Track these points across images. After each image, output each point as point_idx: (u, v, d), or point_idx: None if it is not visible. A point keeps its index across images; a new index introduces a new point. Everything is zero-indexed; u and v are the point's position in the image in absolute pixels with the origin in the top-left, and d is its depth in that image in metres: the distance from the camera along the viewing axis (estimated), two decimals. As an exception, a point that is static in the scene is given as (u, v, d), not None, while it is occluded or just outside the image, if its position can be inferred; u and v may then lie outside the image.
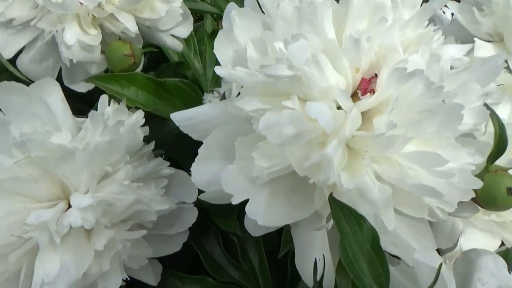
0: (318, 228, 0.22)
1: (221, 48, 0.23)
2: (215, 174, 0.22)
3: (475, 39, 0.43)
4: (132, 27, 0.33)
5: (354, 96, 0.22)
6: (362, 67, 0.21)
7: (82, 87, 0.38)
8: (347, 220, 0.19)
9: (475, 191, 0.23)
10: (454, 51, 0.22)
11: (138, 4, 0.34)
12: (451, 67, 0.22)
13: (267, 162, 0.20)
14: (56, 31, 0.32)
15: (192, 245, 0.37)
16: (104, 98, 0.32)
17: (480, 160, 0.22)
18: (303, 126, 0.19)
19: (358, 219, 0.19)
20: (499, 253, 0.29)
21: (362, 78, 0.22)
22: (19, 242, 0.26)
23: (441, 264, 0.21)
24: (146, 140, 0.33)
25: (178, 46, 0.42)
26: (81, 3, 0.31)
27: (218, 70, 0.22)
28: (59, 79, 0.37)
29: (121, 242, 0.30)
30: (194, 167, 0.23)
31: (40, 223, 0.26)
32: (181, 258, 0.36)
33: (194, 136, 0.24)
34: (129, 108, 0.33)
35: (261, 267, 0.36)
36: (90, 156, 0.29)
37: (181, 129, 0.25)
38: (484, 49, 0.43)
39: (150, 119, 0.34)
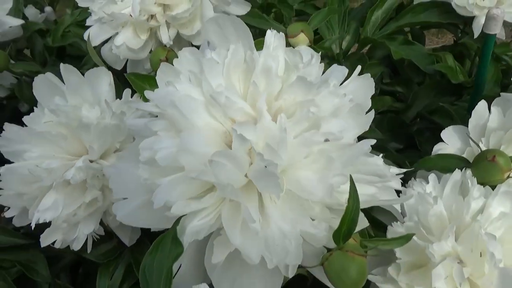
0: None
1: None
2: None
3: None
4: (165, 39, 0.41)
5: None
6: (238, 119, 0.24)
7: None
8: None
9: (328, 263, 0.24)
10: (332, 127, 0.23)
11: (182, 21, 0.42)
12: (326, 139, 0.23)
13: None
14: (117, 33, 0.43)
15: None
16: (127, 91, 0.41)
17: (326, 231, 0.23)
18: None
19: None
20: None
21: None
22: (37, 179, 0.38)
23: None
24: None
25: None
26: (130, 15, 0.41)
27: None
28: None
29: (104, 202, 0.39)
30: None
31: (49, 169, 0.37)
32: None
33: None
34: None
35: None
36: (100, 132, 0.38)
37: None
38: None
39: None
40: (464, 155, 0.41)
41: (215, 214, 0.23)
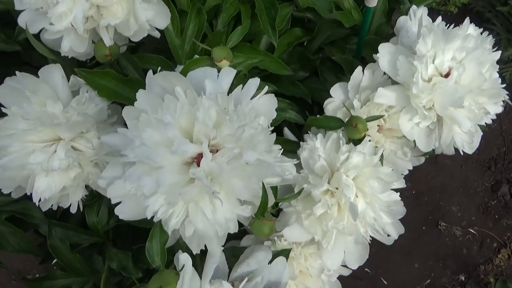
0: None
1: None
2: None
3: (378, 88, 0.53)
4: (107, 42, 0.48)
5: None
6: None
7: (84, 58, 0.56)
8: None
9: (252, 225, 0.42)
10: (249, 157, 0.38)
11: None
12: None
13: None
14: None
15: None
16: (84, 89, 0.50)
17: (250, 212, 0.40)
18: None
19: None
20: (278, 252, 0.49)
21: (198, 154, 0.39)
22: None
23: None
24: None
25: (157, 34, 0.56)
26: (72, 25, 0.46)
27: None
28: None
29: (83, 174, 0.51)
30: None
31: (37, 162, 0.48)
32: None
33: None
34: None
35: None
36: (70, 127, 0.48)
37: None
38: (384, 98, 0.54)
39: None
40: (344, 109, 0.57)
41: (184, 211, 0.39)
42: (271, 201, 0.42)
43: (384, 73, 0.56)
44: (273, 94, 0.43)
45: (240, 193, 0.39)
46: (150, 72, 0.41)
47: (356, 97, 0.57)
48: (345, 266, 0.58)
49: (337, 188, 0.50)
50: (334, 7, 0.68)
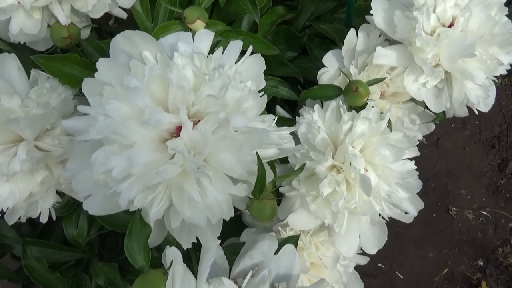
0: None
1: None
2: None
3: (377, 48, 0.47)
4: (63, 21, 0.42)
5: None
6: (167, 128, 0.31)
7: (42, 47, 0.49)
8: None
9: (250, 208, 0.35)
10: (238, 122, 0.31)
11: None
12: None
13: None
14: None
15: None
16: (43, 77, 0.43)
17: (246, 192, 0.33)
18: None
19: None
20: (284, 239, 0.42)
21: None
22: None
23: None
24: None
25: (123, 14, 0.50)
26: (18, 2, 0.40)
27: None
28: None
29: (53, 177, 0.45)
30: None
31: (-4, 168, 0.41)
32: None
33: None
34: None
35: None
36: (29, 122, 0.42)
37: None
38: (384, 58, 0.48)
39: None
40: (341, 77, 0.51)
41: (166, 197, 0.32)
42: (270, 176, 0.35)
43: (380, 35, 0.51)
44: (259, 54, 0.37)
45: (231, 169, 0.32)
46: (114, 38, 0.34)
47: (353, 63, 0.51)
48: (362, 254, 0.51)
49: (343, 163, 0.44)
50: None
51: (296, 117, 0.47)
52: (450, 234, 1.35)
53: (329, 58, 0.53)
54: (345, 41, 0.51)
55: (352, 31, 0.51)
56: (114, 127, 0.29)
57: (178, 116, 0.31)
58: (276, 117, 0.36)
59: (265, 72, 0.50)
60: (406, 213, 0.49)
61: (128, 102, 0.30)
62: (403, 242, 1.32)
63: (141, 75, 0.31)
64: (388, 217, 0.48)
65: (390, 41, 0.51)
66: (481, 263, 1.31)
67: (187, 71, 0.31)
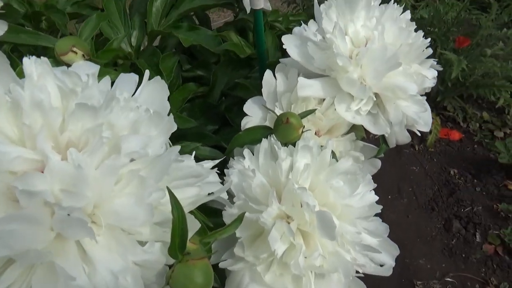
0: None
1: None
2: None
3: (298, 78, 0.43)
4: None
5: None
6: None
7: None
8: None
9: (172, 280, 0.23)
10: (133, 145, 0.22)
11: None
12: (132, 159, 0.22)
13: None
14: None
15: None
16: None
17: (160, 254, 0.22)
18: None
19: None
20: None
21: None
22: None
23: None
24: None
25: None
26: None
27: None
28: None
29: None
30: None
31: None
32: None
33: None
34: None
35: None
36: None
37: None
38: (309, 89, 0.43)
39: None
40: (267, 123, 0.45)
41: (27, 285, 0.20)
42: (195, 226, 0.25)
43: (299, 74, 0.47)
44: (159, 77, 0.29)
45: (131, 217, 0.21)
46: None
47: (277, 105, 0.45)
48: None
49: (292, 207, 0.34)
50: (222, 41, 0.61)
51: (225, 170, 0.38)
52: (424, 310, 1.23)
53: (249, 106, 0.47)
54: (263, 83, 0.46)
55: (268, 71, 0.46)
56: None
57: (36, 148, 0.20)
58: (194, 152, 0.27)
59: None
60: (381, 265, 0.39)
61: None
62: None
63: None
64: (363, 274, 0.37)
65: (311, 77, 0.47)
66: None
67: (47, 80, 0.21)
